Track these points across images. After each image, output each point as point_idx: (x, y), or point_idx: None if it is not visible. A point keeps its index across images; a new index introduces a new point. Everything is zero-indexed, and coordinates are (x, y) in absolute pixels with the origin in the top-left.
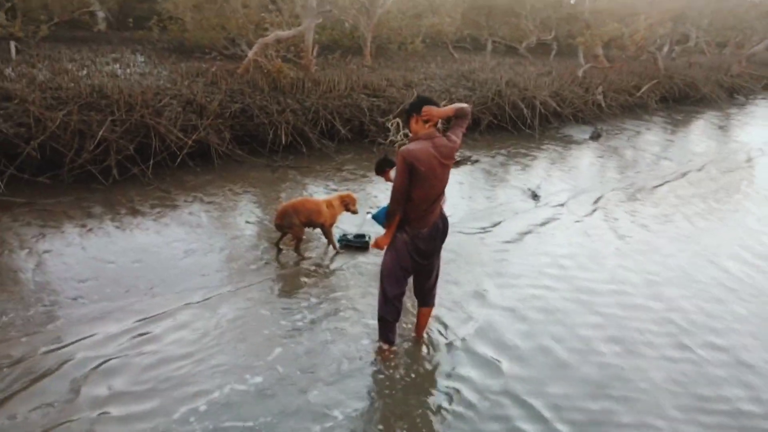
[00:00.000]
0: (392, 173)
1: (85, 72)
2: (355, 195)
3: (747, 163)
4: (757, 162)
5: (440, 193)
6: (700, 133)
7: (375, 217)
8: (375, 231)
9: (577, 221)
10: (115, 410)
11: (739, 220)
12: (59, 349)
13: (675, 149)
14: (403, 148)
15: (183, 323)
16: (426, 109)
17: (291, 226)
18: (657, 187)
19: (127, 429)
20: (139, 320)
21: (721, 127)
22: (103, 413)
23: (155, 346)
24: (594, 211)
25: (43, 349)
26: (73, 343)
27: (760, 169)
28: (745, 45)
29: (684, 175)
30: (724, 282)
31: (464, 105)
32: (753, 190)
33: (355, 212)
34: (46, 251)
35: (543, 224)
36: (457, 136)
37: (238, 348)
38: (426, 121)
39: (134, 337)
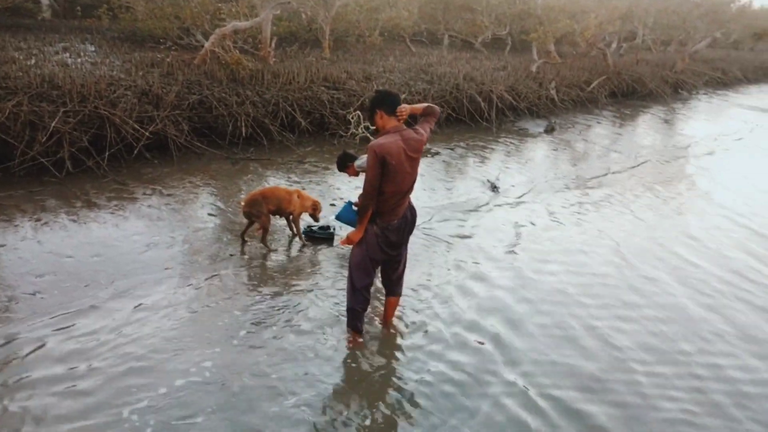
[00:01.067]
0: (356, 165)
1: (33, 61)
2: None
3: (690, 154)
4: (699, 153)
5: (410, 186)
6: (647, 127)
7: (339, 217)
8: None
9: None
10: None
11: (677, 208)
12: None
13: (624, 142)
14: (373, 142)
15: (145, 318)
16: (400, 108)
17: (259, 215)
18: (605, 176)
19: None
20: (97, 315)
21: (666, 121)
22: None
23: (115, 338)
24: (544, 201)
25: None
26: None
27: (702, 160)
28: (689, 43)
29: (632, 166)
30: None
31: (434, 106)
32: (695, 179)
33: (316, 220)
34: None
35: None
36: (425, 130)
37: (202, 340)
38: (393, 116)
39: (90, 333)
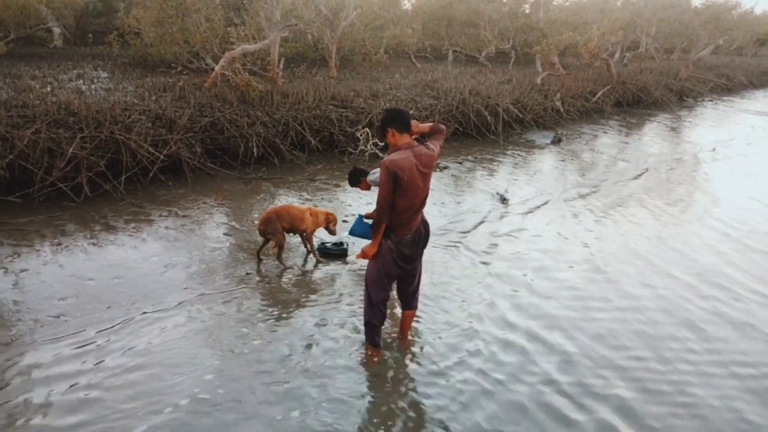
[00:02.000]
0: (369, 180)
1: (49, 89)
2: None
3: (697, 161)
4: (707, 160)
5: (422, 201)
6: (653, 135)
7: (352, 232)
8: (353, 239)
9: (547, 222)
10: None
11: (693, 214)
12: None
13: (631, 151)
14: (385, 158)
15: (166, 337)
16: (414, 123)
17: (274, 233)
18: (615, 185)
19: None
20: (120, 336)
21: (672, 129)
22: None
23: (141, 359)
24: (557, 211)
25: (29, 365)
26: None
27: (709, 168)
28: (692, 50)
29: (639, 175)
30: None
31: (440, 125)
32: (702, 183)
33: (333, 233)
34: (22, 270)
35: (512, 230)
36: (435, 146)
37: (222, 358)
38: (405, 133)
39: (119, 352)
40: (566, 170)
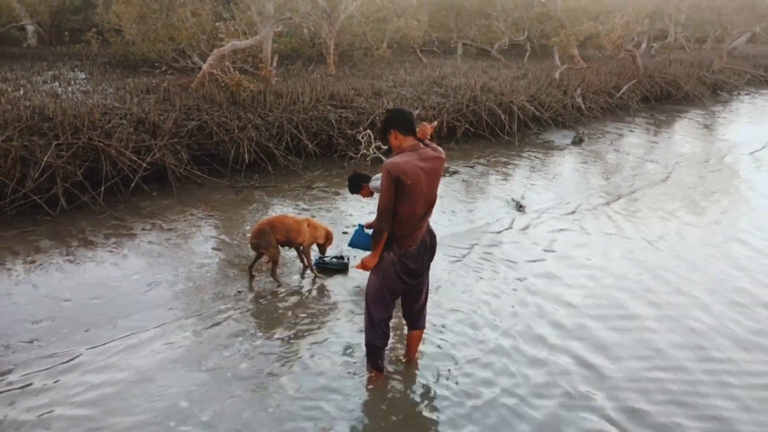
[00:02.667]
0: (372, 186)
1: (22, 92)
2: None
3: (734, 162)
4: (745, 160)
5: (428, 209)
6: (684, 133)
7: (352, 244)
8: (353, 251)
9: (563, 230)
10: None
11: (731, 222)
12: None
13: (660, 151)
14: (387, 161)
15: (149, 363)
16: (423, 125)
17: (267, 246)
18: (643, 190)
19: None
20: (101, 362)
21: (706, 126)
22: None
23: (118, 387)
24: (582, 219)
25: None
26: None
27: (748, 168)
28: (726, 39)
29: (669, 177)
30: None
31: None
32: (742, 189)
33: (323, 252)
34: None
35: (525, 230)
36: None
37: (212, 386)
38: (409, 135)
39: (97, 378)
40: (589, 173)
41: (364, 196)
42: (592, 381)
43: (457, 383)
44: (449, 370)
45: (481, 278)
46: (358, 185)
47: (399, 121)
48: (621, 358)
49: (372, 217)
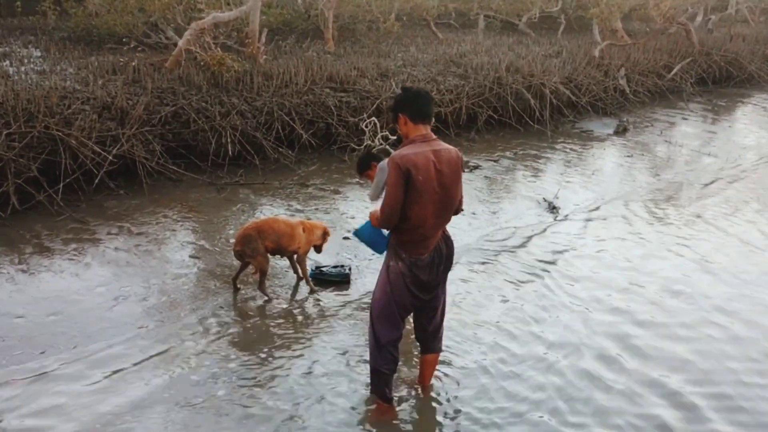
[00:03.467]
0: (376, 180)
1: None
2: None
3: None
4: None
5: (444, 213)
6: (748, 122)
7: (359, 233)
8: (356, 261)
9: (604, 236)
10: None
11: None
12: None
13: (719, 142)
14: (395, 153)
15: (114, 392)
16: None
17: (254, 255)
18: (701, 189)
19: None
20: (56, 391)
21: None
22: None
23: (74, 424)
24: (627, 223)
25: None
26: None
27: None
28: None
29: (732, 174)
30: None
31: None
32: None
33: (318, 251)
34: None
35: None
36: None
37: (187, 422)
38: (421, 123)
39: (52, 409)
40: (634, 169)
41: (371, 178)
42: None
43: (484, 418)
44: (470, 402)
45: (504, 296)
46: (368, 164)
47: (411, 104)
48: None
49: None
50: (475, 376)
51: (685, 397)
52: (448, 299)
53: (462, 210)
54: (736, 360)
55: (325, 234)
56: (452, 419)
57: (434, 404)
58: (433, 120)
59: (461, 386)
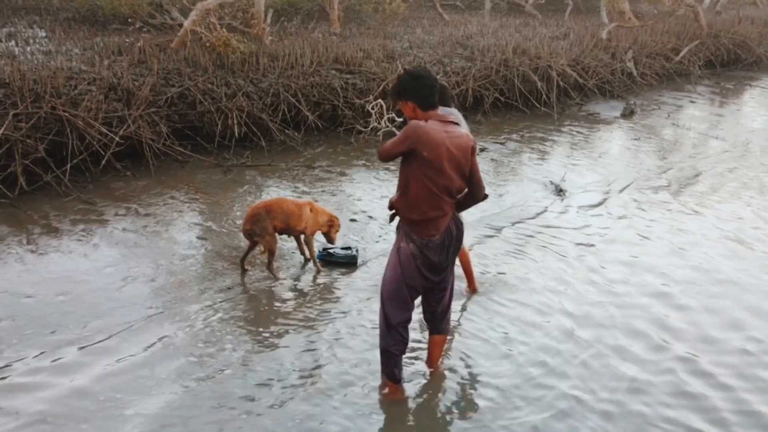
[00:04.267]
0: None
1: None
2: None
3: None
4: None
5: (448, 193)
6: (756, 105)
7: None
8: (363, 242)
9: (620, 218)
10: None
11: None
12: None
13: (727, 125)
14: (416, 122)
15: (124, 373)
16: None
17: (263, 234)
18: (708, 172)
19: None
20: (66, 370)
21: None
22: None
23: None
24: (633, 206)
25: None
26: None
27: None
28: None
29: (741, 156)
30: None
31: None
32: None
33: (331, 241)
34: None
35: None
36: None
37: (197, 403)
38: (431, 110)
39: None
40: (641, 151)
41: (406, 113)
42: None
43: (495, 398)
44: (479, 380)
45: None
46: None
47: (417, 93)
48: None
49: (384, 202)
50: (477, 359)
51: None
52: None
53: (485, 196)
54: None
55: (331, 222)
56: (459, 397)
57: (444, 383)
58: None
59: (472, 365)
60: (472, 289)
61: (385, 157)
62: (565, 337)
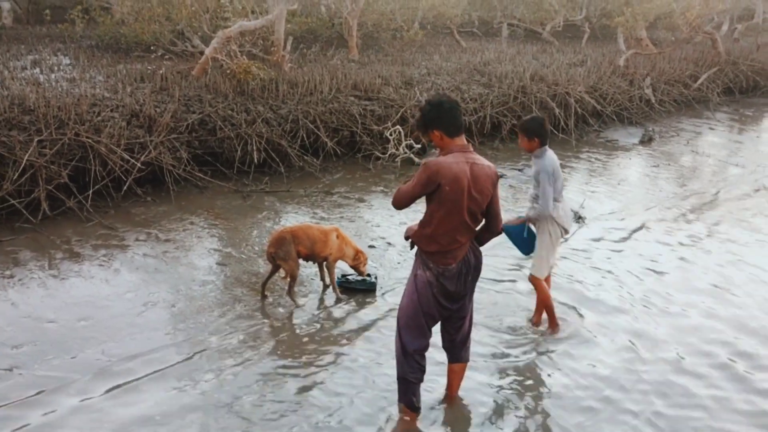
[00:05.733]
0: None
1: None
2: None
3: None
4: None
5: (468, 225)
6: None
7: (508, 231)
8: (381, 269)
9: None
10: None
11: None
12: None
13: (746, 152)
14: (433, 159)
15: (144, 398)
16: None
17: (287, 258)
18: (728, 200)
19: None
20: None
21: None
22: None
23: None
24: (653, 233)
25: None
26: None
27: None
28: None
29: (759, 185)
30: None
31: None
32: None
33: (361, 274)
34: None
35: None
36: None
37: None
38: (457, 136)
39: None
40: (659, 178)
41: (526, 148)
42: None
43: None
44: (502, 411)
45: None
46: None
47: (442, 121)
48: None
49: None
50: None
51: None
52: None
53: (502, 230)
54: None
55: (357, 256)
56: (482, 425)
57: (463, 413)
58: None
59: (491, 392)
60: (552, 327)
61: (405, 203)
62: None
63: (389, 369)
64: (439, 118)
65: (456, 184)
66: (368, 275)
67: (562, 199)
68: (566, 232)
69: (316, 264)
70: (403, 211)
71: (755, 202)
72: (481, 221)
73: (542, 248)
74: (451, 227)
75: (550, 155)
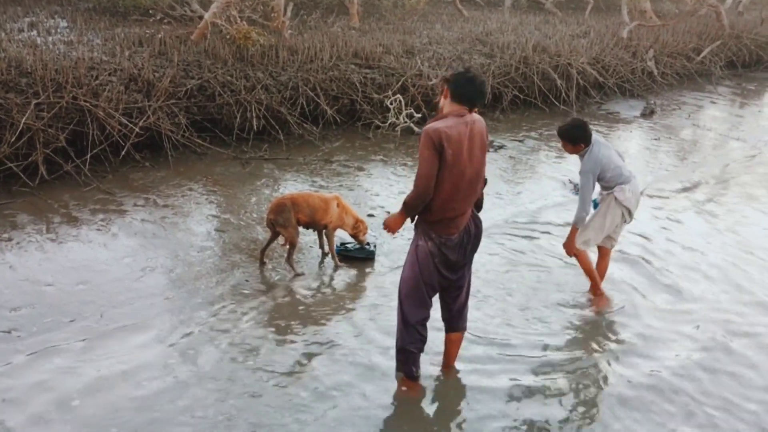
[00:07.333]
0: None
1: None
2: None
3: None
4: None
5: (471, 187)
6: None
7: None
8: (381, 239)
9: None
10: None
11: None
12: None
13: (747, 126)
14: (428, 125)
15: (141, 364)
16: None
17: (286, 225)
18: (727, 175)
19: None
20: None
21: None
22: None
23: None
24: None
25: None
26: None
27: None
28: None
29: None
30: None
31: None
32: None
33: (361, 243)
34: None
35: None
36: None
37: (212, 392)
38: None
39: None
40: (660, 151)
41: (568, 150)
42: None
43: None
44: (495, 379)
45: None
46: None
47: (459, 88)
48: None
49: (401, 197)
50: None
51: None
52: None
53: (485, 181)
54: None
55: (357, 225)
56: (477, 397)
57: (461, 382)
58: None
59: (487, 363)
60: (596, 295)
61: (429, 183)
62: None
63: (386, 336)
64: (458, 84)
65: (457, 145)
66: (367, 244)
67: (630, 180)
68: (630, 214)
69: (315, 231)
70: (402, 180)
71: (755, 177)
72: (483, 186)
73: (593, 225)
74: (457, 193)
75: (596, 151)
